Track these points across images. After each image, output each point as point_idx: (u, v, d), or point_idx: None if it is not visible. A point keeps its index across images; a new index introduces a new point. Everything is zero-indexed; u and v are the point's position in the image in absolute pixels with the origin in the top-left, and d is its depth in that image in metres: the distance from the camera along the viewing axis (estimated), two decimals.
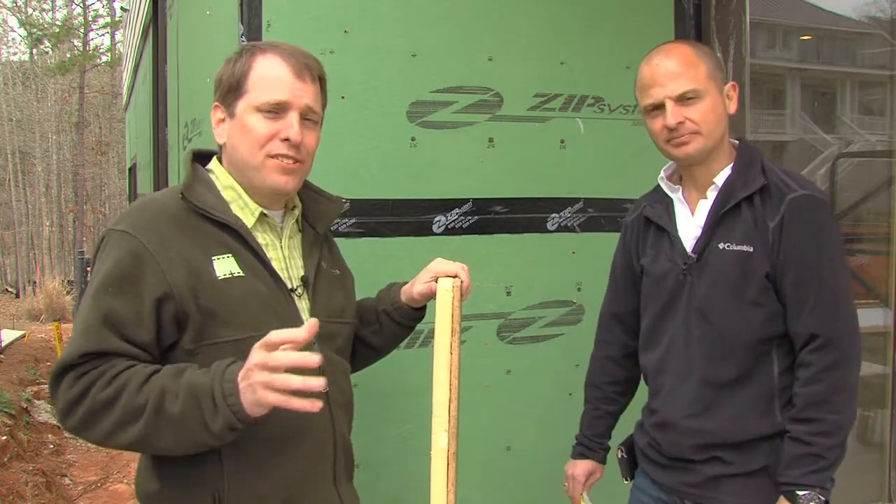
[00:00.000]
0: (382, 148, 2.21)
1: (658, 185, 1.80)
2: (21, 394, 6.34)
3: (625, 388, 1.92)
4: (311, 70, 1.47)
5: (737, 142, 1.72)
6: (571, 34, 2.43)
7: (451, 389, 1.46)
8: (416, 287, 1.62)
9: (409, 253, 2.23)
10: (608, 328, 1.92)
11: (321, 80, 1.51)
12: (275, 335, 1.20)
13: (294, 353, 1.19)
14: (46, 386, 6.55)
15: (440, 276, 1.55)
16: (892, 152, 3.50)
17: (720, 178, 1.66)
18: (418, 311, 1.68)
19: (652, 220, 1.76)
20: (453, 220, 2.31)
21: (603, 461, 1.92)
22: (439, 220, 2.29)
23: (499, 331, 2.38)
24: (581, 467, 1.91)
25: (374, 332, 1.71)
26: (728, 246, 1.62)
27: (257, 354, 1.22)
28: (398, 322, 1.69)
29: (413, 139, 2.25)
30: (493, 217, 2.35)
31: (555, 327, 2.44)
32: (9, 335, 9.18)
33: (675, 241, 1.71)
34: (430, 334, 1.51)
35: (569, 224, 2.45)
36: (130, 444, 1.33)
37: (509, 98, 2.35)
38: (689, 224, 1.70)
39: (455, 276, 1.54)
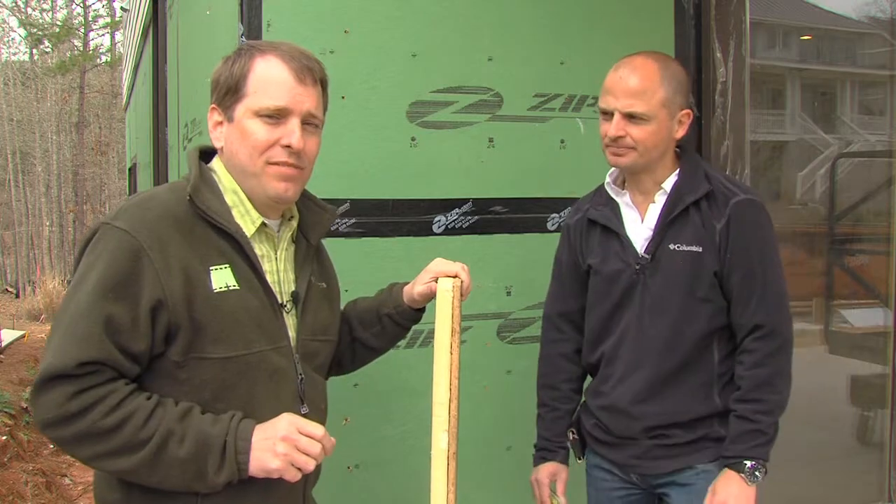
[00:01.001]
0: (382, 148, 2.21)
1: (600, 189, 1.90)
2: (21, 394, 6.33)
3: (578, 385, 1.98)
4: (313, 73, 1.42)
5: (678, 150, 1.83)
6: (571, 34, 2.43)
7: (451, 389, 1.46)
8: (416, 287, 1.61)
9: (408, 253, 2.23)
10: (557, 327, 1.97)
11: (323, 84, 1.45)
12: (306, 427, 1.30)
13: (320, 448, 1.30)
14: None
15: (440, 277, 1.55)
16: (892, 152, 3.50)
17: (668, 184, 1.78)
18: (419, 311, 1.67)
19: (598, 223, 1.85)
20: (453, 220, 2.31)
21: (564, 460, 1.95)
22: (439, 220, 2.29)
23: (499, 331, 2.38)
24: (544, 470, 1.93)
25: (375, 335, 1.69)
26: (679, 247, 1.75)
27: (290, 429, 1.28)
28: (399, 324, 1.67)
29: (413, 139, 2.25)
30: (493, 217, 2.35)
31: None
32: (9, 335, 9.15)
33: (626, 242, 1.80)
34: (430, 334, 1.51)
35: None
36: (115, 472, 1.29)
37: (509, 98, 2.35)
38: (639, 226, 1.81)
39: (455, 276, 1.54)
